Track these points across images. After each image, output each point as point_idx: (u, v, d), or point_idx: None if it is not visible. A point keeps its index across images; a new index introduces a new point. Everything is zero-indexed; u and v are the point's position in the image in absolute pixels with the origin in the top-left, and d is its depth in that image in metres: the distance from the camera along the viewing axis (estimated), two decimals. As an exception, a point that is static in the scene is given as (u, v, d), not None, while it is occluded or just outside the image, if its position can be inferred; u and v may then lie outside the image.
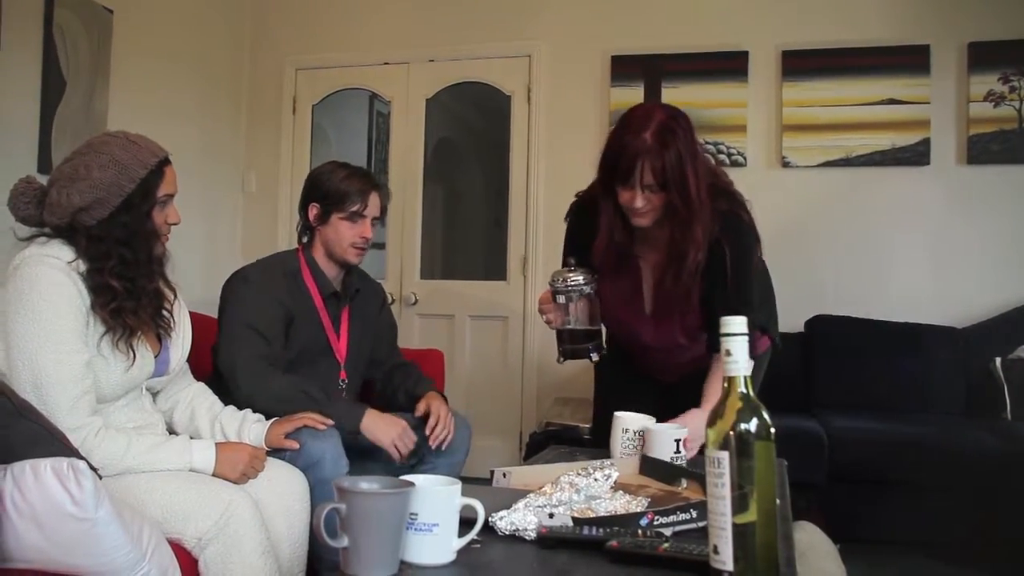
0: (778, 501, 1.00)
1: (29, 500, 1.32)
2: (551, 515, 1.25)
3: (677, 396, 1.92)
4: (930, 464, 3.05)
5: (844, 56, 3.89)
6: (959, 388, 3.56)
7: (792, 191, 3.94)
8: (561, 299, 1.88)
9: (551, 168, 4.24)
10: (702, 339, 1.97)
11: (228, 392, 2.08)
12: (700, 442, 1.69)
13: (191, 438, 1.82)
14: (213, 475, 1.74)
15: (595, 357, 1.94)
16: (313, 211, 2.32)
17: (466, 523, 1.15)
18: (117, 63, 3.62)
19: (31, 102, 3.22)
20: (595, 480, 1.44)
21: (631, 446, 1.76)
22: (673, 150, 1.74)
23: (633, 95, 4.02)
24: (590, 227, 1.93)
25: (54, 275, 1.61)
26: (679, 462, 1.66)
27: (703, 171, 1.82)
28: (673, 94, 3.96)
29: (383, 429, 2.13)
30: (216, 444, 1.79)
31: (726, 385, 1.02)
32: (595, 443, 2.20)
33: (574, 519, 1.25)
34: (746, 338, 1.03)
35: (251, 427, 1.97)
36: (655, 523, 1.24)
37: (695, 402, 1.85)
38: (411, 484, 1.12)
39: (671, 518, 1.25)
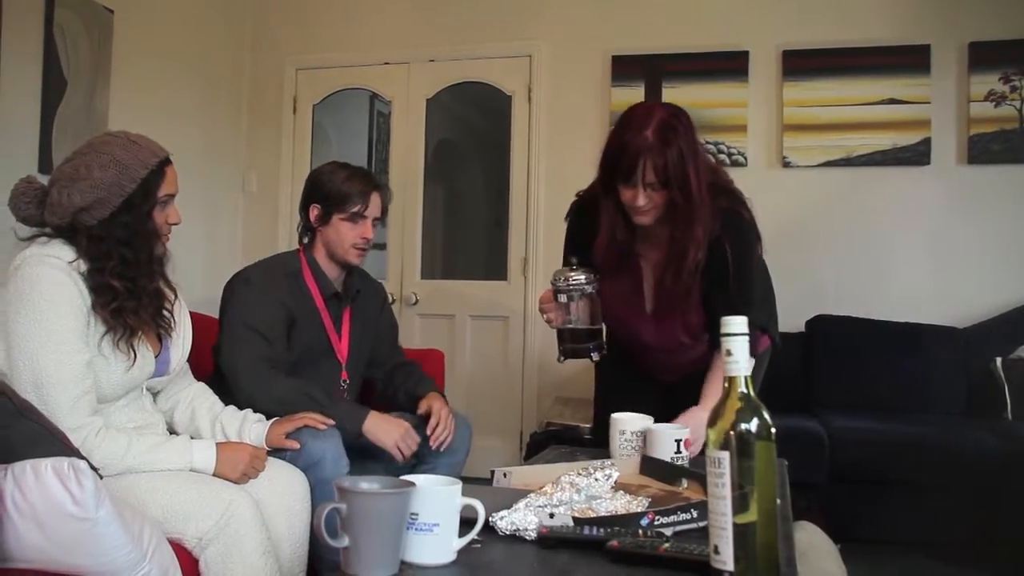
0: (779, 501, 1.00)
1: (30, 500, 1.32)
2: (552, 515, 1.25)
3: (678, 396, 1.92)
4: (931, 464, 3.05)
5: (845, 56, 3.89)
6: (960, 388, 3.55)
7: (793, 191, 3.94)
8: (563, 298, 1.88)
9: (552, 168, 4.24)
10: (704, 338, 1.97)
11: (229, 393, 2.08)
12: (702, 440, 1.69)
13: (192, 438, 1.82)
14: (214, 475, 1.74)
15: (596, 357, 1.94)
16: (314, 212, 2.32)
17: (466, 523, 1.15)
18: (118, 63, 3.62)
19: (32, 102, 3.22)
20: (596, 480, 1.44)
21: (629, 447, 1.76)
22: (675, 148, 1.74)
23: (634, 95, 4.02)
24: (591, 226, 1.93)
25: (55, 275, 1.61)
26: (680, 462, 1.66)
27: (704, 169, 1.83)
28: (674, 94, 3.96)
29: (386, 431, 2.13)
30: (217, 444, 1.80)
31: (726, 385, 1.02)
32: (596, 443, 2.20)
33: (575, 519, 1.25)
34: (747, 338, 1.03)
35: (252, 427, 1.97)
36: (656, 523, 1.24)
37: (696, 402, 1.85)
38: (412, 484, 1.12)
39: (672, 518, 1.25)
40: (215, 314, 2.30)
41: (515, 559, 1.18)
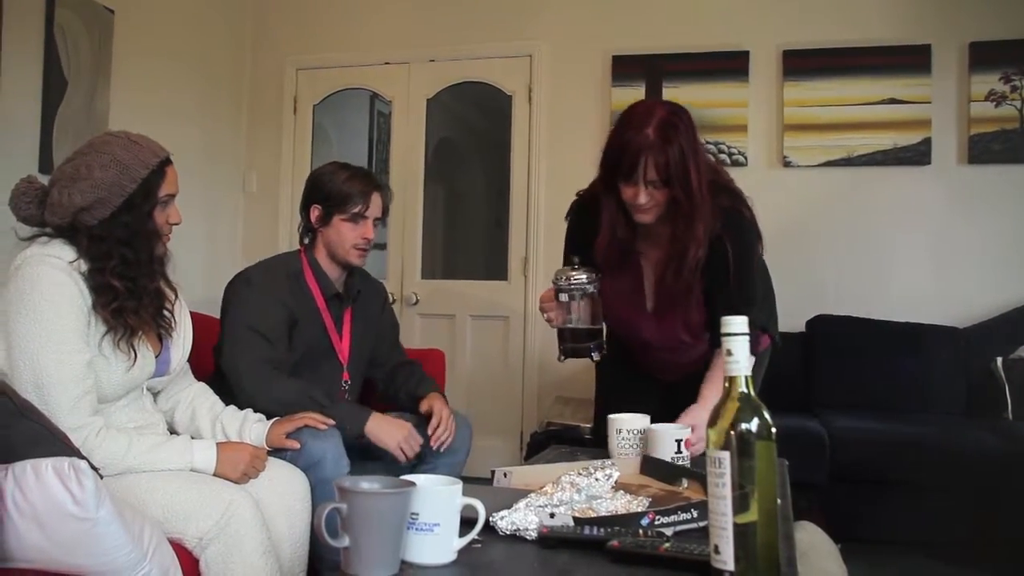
0: (779, 501, 1.00)
1: (30, 500, 1.32)
2: (552, 515, 1.25)
3: (678, 396, 1.92)
4: (931, 464, 3.04)
5: (845, 56, 3.89)
6: (960, 388, 3.55)
7: (793, 191, 3.94)
8: (564, 297, 1.88)
9: (552, 168, 4.24)
10: (704, 337, 1.97)
11: (230, 393, 2.08)
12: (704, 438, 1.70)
13: (192, 438, 1.82)
14: (214, 475, 1.74)
15: (596, 356, 1.94)
16: (315, 212, 2.32)
17: (467, 523, 1.15)
18: (118, 63, 3.62)
19: (32, 102, 3.22)
20: (596, 480, 1.44)
21: (627, 446, 1.76)
22: (676, 145, 1.74)
23: (634, 95, 4.02)
24: (592, 225, 1.94)
25: (56, 275, 1.61)
26: (680, 462, 1.66)
27: (705, 167, 1.83)
28: (674, 94, 3.96)
29: (388, 432, 2.13)
30: (217, 444, 1.80)
31: (727, 385, 1.02)
32: (596, 443, 2.20)
33: (575, 519, 1.25)
34: (747, 338, 1.03)
35: (252, 427, 1.97)
36: (656, 523, 1.24)
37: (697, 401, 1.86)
38: (412, 484, 1.12)
39: (672, 518, 1.25)
40: (215, 314, 2.30)
41: (516, 559, 1.18)
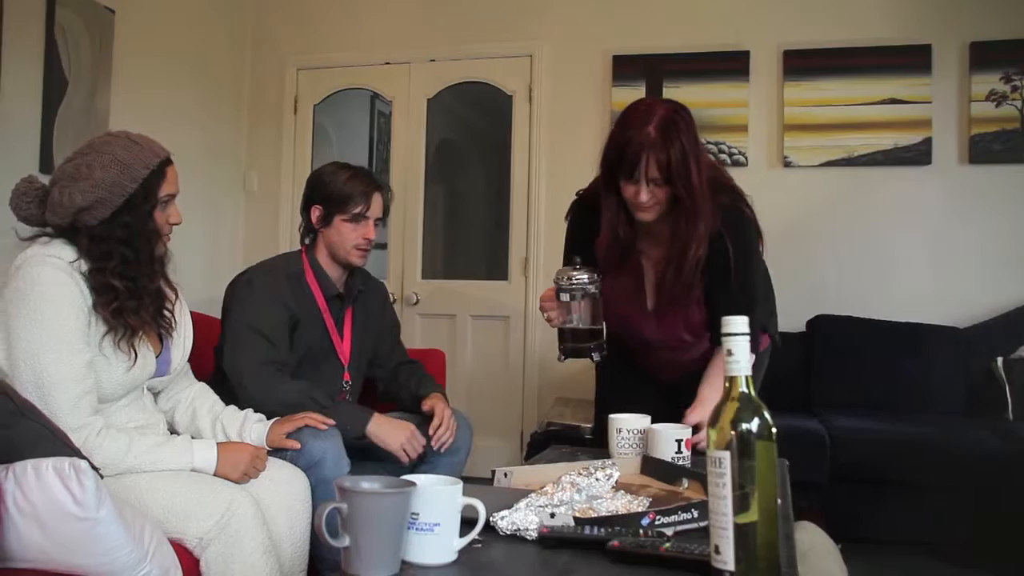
0: (779, 501, 1.00)
1: (31, 500, 1.32)
2: (552, 515, 1.25)
3: (679, 396, 1.92)
4: (931, 464, 3.04)
5: (845, 56, 3.89)
6: (960, 388, 3.55)
7: (794, 191, 3.94)
8: (565, 297, 1.88)
9: (552, 168, 4.24)
10: (705, 336, 1.97)
11: (231, 394, 2.08)
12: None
13: (192, 438, 1.82)
14: (214, 475, 1.74)
15: (596, 357, 1.93)
16: (315, 213, 2.31)
17: (467, 523, 1.15)
18: (119, 63, 3.62)
19: (33, 102, 3.22)
20: (596, 480, 1.44)
21: (626, 446, 1.76)
22: (677, 144, 1.74)
23: (634, 95, 4.01)
24: (592, 224, 1.94)
25: (56, 275, 1.61)
26: (681, 462, 1.66)
27: (705, 165, 1.83)
28: (674, 94, 3.95)
29: (391, 434, 2.14)
30: (217, 444, 1.80)
31: (727, 385, 1.02)
32: (596, 443, 2.20)
33: (575, 519, 1.25)
34: (747, 338, 1.03)
35: (252, 427, 1.97)
36: (656, 523, 1.24)
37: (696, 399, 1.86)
38: (412, 484, 1.12)
39: (672, 518, 1.25)
40: (216, 314, 2.30)
41: (516, 559, 1.18)
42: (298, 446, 1.95)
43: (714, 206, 1.84)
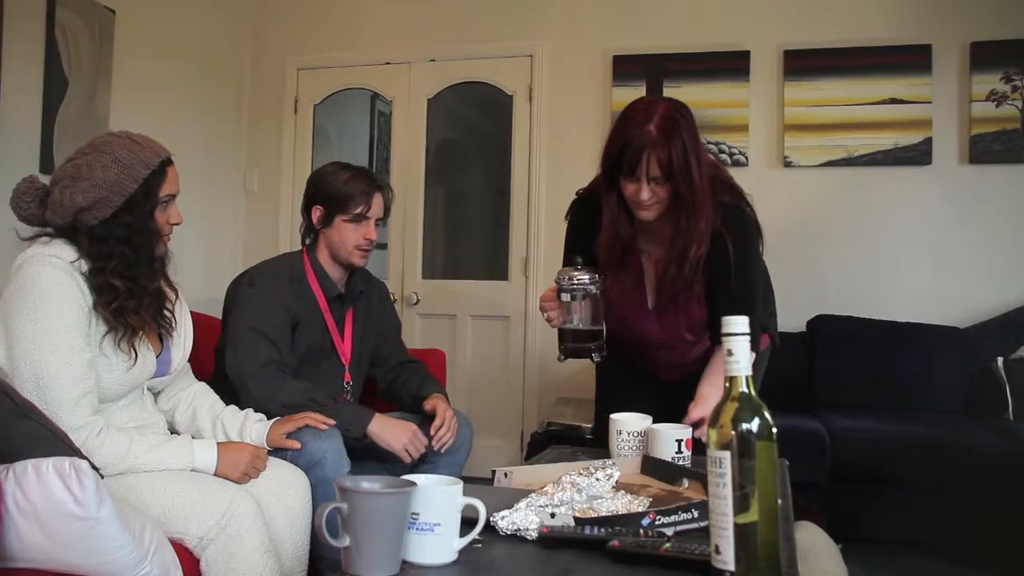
0: (779, 501, 1.00)
1: (31, 499, 1.32)
2: (553, 515, 1.25)
3: (679, 395, 1.92)
4: (932, 464, 3.04)
5: (846, 56, 3.89)
6: (961, 388, 3.55)
7: (794, 191, 3.93)
8: (566, 297, 1.88)
9: (553, 168, 4.24)
10: (705, 335, 1.97)
11: (231, 394, 2.08)
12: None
13: (193, 438, 1.82)
14: (215, 475, 1.74)
15: (597, 357, 1.94)
16: (316, 213, 2.31)
17: (468, 523, 1.15)
18: (119, 63, 3.62)
19: (33, 102, 3.22)
20: (597, 480, 1.44)
21: (626, 447, 1.76)
22: (678, 141, 1.74)
23: (635, 95, 3.99)
24: (592, 223, 1.94)
25: (56, 275, 1.61)
26: (681, 462, 1.66)
27: (706, 163, 1.83)
28: (675, 94, 3.93)
29: (393, 434, 2.13)
30: (218, 444, 1.80)
31: (727, 385, 1.02)
32: (596, 443, 2.20)
33: (576, 519, 1.25)
34: (747, 338, 1.03)
35: (253, 427, 1.97)
36: (657, 523, 1.24)
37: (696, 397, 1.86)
38: (413, 484, 1.12)
39: (673, 518, 1.25)
40: (216, 314, 2.30)
41: (516, 559, 1.18)
42: (298, 446, 1.95)
43: (715, 204, 1.84)
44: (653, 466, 1.65)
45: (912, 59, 3.83)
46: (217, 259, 4.36)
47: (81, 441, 1.58)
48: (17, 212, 1.69)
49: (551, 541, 1.21)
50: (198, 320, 2.02)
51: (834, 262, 3.92)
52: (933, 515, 3.03)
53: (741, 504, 0.97)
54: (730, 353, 1.03)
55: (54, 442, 1.47)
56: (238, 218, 4.64)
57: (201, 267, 4.17)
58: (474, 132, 5.78)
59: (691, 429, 1.74)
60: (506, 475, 1.58)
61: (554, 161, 4.24)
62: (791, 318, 3.23)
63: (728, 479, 0.98)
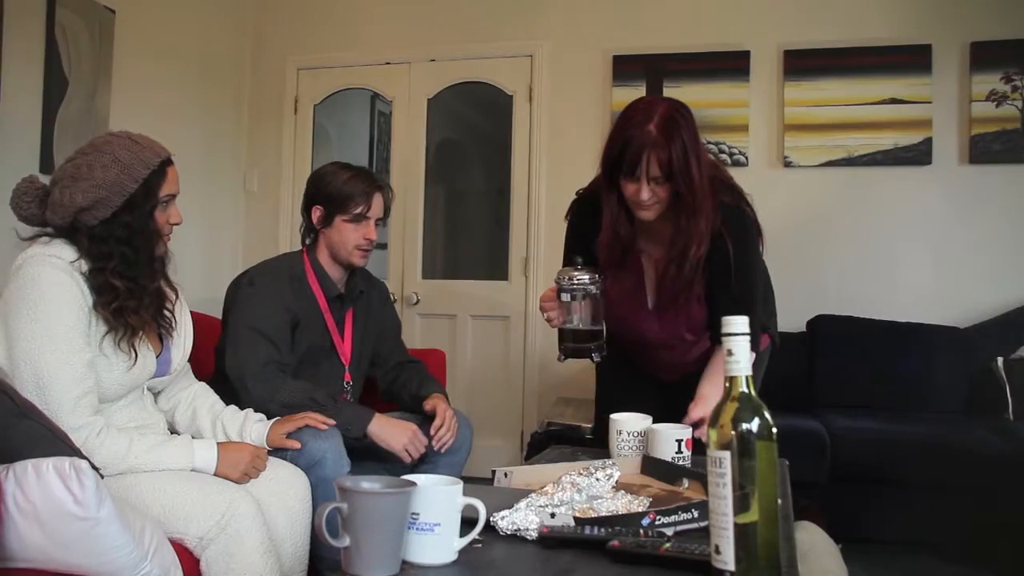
0: (780, 501, 1.00)
1: (31, 499, 1.32)
2: (553, 515, 1.25)
3: (679, 395, 1.92)
4: (932, 464, 3.04)
5: (846, 56, 3.89)
6: (961, 388, 3.55)
7: (794, 191, 3.94)
8: (566, 297, 1.88)
9: (553, 168, 4.24)
10: (705, 335, 1.97)
11: (231, 394, 2.08)
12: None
13: (193, 438, 1.82)
14: (215, 475, 1.74)
15: (597, 357, 1.94)
16: (316, 213, 2.31)
17: (468, 523, 1.15)
18: (119, 63, 3.62)
19: (33, 102, 3.22)
20: (597, 480, 1.44)
21: (627, 447, 1.76)
22: (678, 141, 1.74)
23: (635, 95, 3.99)
24: (592, 223, 1.94)
25: (56, 275, 1.61)
26: (681, 462, 1.66)
27: (706, 163, 1.83)
28: (675, 94, 3.93)
29: (393, 434, 2.13)
30: (218, 444, 1.80)
31: (727, 385, 1.02)
32: (596, 443, 2.20)
33: (576, 519, 1.25)
34: (747, 338, 1.03)
35: (253, 427, 1.97)
36: (657, 523, 1.24)
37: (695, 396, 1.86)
38: (413, 484, 1.12)
39: (673, 518, 1.25)
40: (216, 314, 2.30)
41: (516, 559, 1.18)
42: (298, 446, 1.95)
43: (715, 204, 1.84)
44: (653, 466, 1.65)
45: (912, 59, 3.83)
46: (217, 259, 4.36)
47: (81, 441, 1.58)
48: (17, 212, 1.70)
49: (551, 541, 1.21)
50: (198, 320, 2.02)
51: (834, 262, 3.92)
52: (933, 515, 3.03)
53: (741, 504, 0.97)
54: (730, 353, 1.03)
55: (54, 442, 1.47)
56: (238, 218, 4.64)
57: (201, 267, 4.17)
58: (474, 132, 5.78)
59: (691, 429, 1.74)
60: (506, 475, 1.58)
61: (554, 161, 4.24)
62: (791, 318, 3.23)
63: (728, 479, 0.98)
